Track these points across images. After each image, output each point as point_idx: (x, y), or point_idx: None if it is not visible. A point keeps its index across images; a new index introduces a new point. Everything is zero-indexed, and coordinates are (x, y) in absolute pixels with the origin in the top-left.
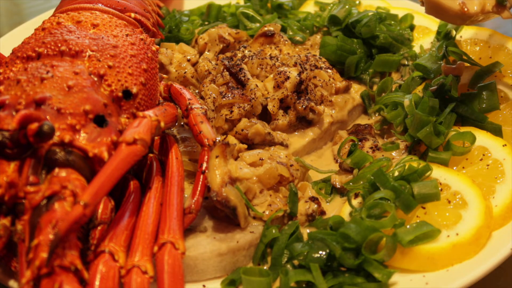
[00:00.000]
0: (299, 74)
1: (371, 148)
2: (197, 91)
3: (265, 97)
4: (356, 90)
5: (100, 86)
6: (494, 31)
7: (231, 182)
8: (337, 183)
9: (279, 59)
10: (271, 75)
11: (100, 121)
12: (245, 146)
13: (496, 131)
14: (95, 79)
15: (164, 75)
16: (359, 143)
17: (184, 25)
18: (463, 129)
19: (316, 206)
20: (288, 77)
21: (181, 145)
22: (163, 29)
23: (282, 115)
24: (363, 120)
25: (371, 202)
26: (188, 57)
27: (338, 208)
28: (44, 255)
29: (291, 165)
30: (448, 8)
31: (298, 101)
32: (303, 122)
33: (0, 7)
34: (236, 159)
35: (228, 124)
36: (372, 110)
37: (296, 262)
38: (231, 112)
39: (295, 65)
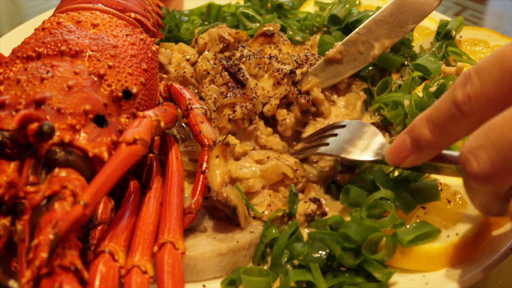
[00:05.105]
0: (292, 68)
1: None
2: (196, 91)
3: (269, 96)
4: (358, 86)
5: (100, 86)
6: (494, 31)
7: (231, 182)
8: (340, 181)
9: (278, 58)
10: (266, 75)
11: (100, 121)
12: (251, 148)
13: None
14: (95, 79)
15: (164, 75)
16: None
17: (184, 25)
18: None
19: (315, 206)
20: (286, 74)
21: (181, 145)
22: (163, 29)
23: (287, 114)
24: (364, 118)
25: (371, 202)
26: (187, 57)
27: (340, 208)
28: (44, 255)
29: (297, 170)
30: None
31: (300, 95)
32: (307, 116)
33: (0, 7)
34: (239, 158)
35: (231, 124)
36: (372, 109)
37: (296, 262)
38: (234, 111)
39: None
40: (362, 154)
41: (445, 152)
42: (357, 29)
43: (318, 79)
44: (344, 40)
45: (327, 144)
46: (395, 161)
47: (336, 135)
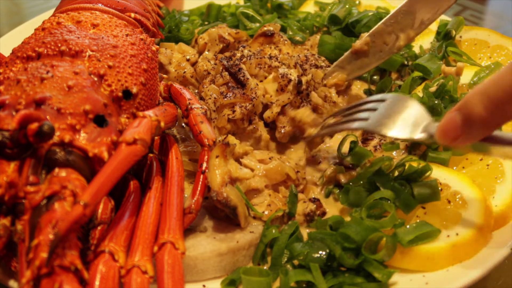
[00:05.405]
0: (299, 76)
1: (374, 147)
2: (196, 91)
3: (271, 102)
4: (359, 87)
5: (100, 86)
6: (494, 31)
7: (231, 182)
8: (342, 180)
9: (278, 58)
10: (270, 76)
11: (100, 121)
12: (252, 148)
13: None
14: (95, 79)
15: (164, 75)
16: (364, 143)
17: (184, 25)
18: None
19: (314, 206)
20: (290, 80)
21: (181, 145)
22: (163, 29)
23: (287, 122)
24: None
25: (371, 202)
26: (188, 57)
27: (340, 208)
28: (44, 255)
29: (297, 172)
30: None
31: (302, 104)
32: None
33: (0, 7)
34: (242, 157)
35: (231, 124)
36: None
37: (296, 262)
38: (233, 112)
39: (295, 66)
40: (406, 132)
41: (497, 132)
42: (383, 20)
43: (344, 74)
44: (370, 31)
45: (366, 119)
46: (445, 140)
47: (375, 110)
